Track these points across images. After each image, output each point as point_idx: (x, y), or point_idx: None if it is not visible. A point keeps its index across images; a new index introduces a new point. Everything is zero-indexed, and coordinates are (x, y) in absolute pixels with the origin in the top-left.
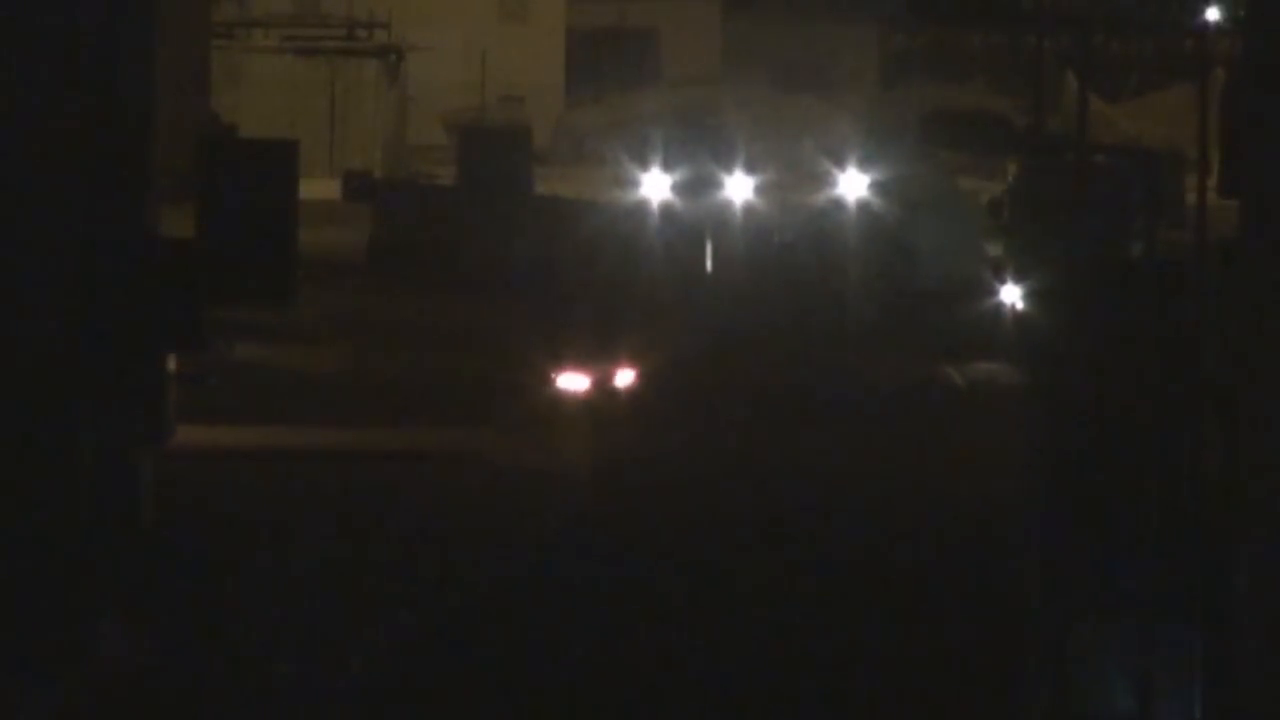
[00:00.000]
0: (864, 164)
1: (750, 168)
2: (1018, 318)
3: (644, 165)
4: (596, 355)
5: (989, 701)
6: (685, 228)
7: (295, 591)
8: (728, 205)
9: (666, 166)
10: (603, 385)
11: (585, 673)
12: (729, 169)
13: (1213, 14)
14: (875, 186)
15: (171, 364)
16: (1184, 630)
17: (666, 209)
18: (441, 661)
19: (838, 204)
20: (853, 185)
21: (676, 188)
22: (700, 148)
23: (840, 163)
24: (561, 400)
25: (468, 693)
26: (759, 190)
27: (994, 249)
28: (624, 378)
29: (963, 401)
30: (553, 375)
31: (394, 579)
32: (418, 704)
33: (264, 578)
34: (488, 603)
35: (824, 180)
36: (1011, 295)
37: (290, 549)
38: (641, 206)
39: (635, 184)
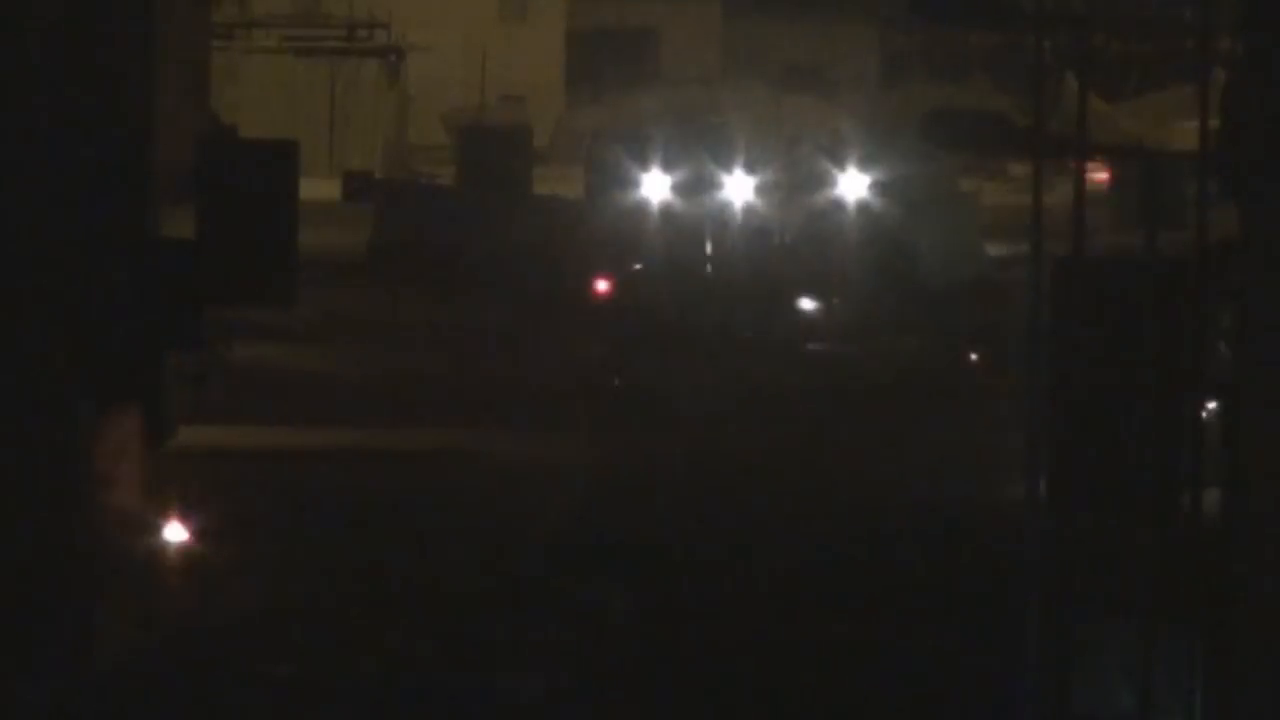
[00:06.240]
0: (864, 164)
1: (750, 168)
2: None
3: (644, 165)
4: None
5: (988, 701)
6: (685, 228)
7: (295, 591)
8: (728, 205)
9: (666, 166)
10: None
11: (584, 671)
12: (729, 169)
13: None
14: (875, 186)
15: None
16: (1184, 630)
17: (666, 209)
18: (440, 661)
19: (838, 204)
20: (853, 185)
21: (676, 188)
22: (700, 148)
23: (840, 163)
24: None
25: (466, 692)
26: (759, 190)
27: (995, 249)
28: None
29: (963, 399)
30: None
31: (394, 578)
32: (417, 704)
33: (264, 577)
34: (487, 602)
35: (824, 180)
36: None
37: (290, 549)
38: (641, 206)
39: (635, 184)
